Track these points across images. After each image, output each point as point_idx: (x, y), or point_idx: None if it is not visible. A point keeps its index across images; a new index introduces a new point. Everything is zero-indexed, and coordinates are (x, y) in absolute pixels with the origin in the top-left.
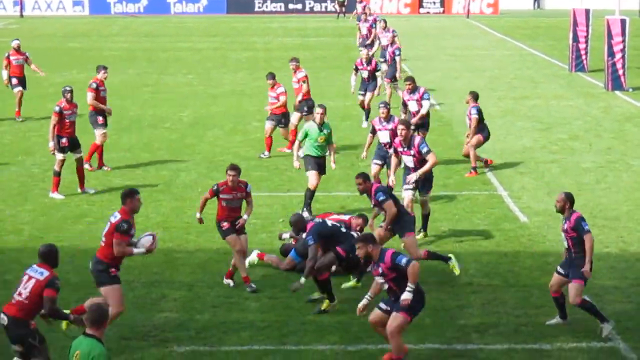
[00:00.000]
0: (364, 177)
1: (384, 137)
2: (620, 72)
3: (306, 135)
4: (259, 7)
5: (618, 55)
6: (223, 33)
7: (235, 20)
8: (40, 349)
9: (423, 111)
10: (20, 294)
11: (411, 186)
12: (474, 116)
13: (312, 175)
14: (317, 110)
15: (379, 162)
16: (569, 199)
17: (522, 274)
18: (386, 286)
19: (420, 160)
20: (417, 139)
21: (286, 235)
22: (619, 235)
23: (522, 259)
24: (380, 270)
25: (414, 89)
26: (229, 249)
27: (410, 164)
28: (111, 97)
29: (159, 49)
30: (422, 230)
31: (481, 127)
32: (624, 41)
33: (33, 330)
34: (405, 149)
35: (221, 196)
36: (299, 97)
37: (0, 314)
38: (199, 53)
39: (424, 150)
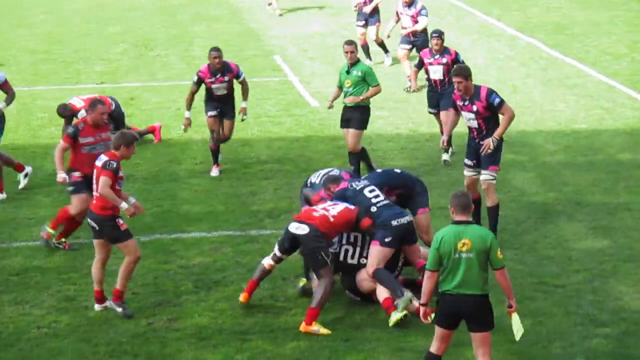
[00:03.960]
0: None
1: (435, 73)
2: None
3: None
4: None
5: None
6: None
7: None
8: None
9: (418, 27)
10: (326, 210)
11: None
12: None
13: (344, 134)
14: (345, 48)
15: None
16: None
17: (313, 159)
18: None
19: (488, 118)
20: (485, 89)
21: None
22: (409, 117)
23: (313, 143)
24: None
25: (411, 2)
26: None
27: (473, 124)
28: None
29: None
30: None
31: None
32: None
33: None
34: (467, 103)
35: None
36: None
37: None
38: None
39: (497, 101)
